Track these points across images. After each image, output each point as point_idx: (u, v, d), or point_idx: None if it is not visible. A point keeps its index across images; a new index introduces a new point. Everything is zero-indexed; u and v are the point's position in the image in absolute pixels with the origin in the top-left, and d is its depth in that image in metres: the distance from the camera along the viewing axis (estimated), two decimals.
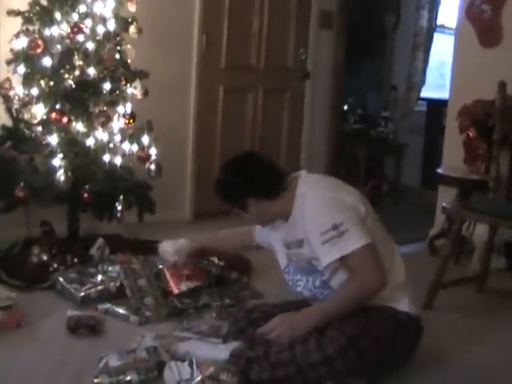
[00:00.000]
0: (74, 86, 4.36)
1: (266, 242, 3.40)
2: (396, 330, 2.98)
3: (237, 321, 3.25)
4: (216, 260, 4.35)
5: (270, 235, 3.30)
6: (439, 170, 5.39)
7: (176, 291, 3.80)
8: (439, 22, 8.33)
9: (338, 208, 2.90)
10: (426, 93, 8.50)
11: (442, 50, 7.99)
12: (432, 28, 8.22)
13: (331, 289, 3.02)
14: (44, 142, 4.29)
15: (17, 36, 4.37)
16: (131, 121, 4.57)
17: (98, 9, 4.44)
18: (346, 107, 7.97)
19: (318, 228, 2.87)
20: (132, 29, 4.63)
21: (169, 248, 4.32)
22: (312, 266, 3.03)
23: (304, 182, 3.07)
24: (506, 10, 5.31)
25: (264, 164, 3.16)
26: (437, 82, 8.56)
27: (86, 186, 4.29)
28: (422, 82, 8.28)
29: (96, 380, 2.83)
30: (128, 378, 2.84)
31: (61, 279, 3.93)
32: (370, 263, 2.89)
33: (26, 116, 4.29)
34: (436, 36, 8.30)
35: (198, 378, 2.75)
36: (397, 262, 3.11)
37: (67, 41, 4.36)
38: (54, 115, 4.27)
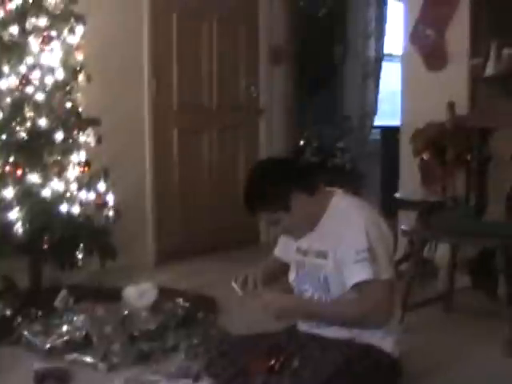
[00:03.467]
0: (26, 137, 4.36)
1: (285, 255, 3.27)
2: (375, 373, 2.93)
3: (208, 352, 3.22)
4: (181, 301, 4.33)
5: (289, 246, 3.19)
6: (397, 195, 5.43)
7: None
8: (386, 50, 8.44)
9: (377, 234, 2.86)
10: (380, 122, 8.58)
11: (392, 80, 8.09)
12: (380, 57, 8.33)
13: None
14: None
15: None
16: (86, 168, 4.57)
17: (45, 59, 4.45)
18: (302, 141, 8.01)
19: (354, 245, 2.81)
20: (81, 77, 4.64)
21: (133, 294, 4.31)
22: (325, 282, 2.96)
23: (344, 197, 3.01)
24: (449, 33, 5.42)
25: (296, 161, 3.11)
26: (389, 112, 8.64)
27: (46, 237, 4.27)
28: (375, 110, 8.37)
29: None
30: None
31: (26, 333, 3.88)
32: (386, 298, 2.86)
33: None
34: (385, 65, 8.40)
35: None
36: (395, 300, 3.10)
37: (16, 93, 4.36)
38: (8, 168, 4.26)
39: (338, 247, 2.88)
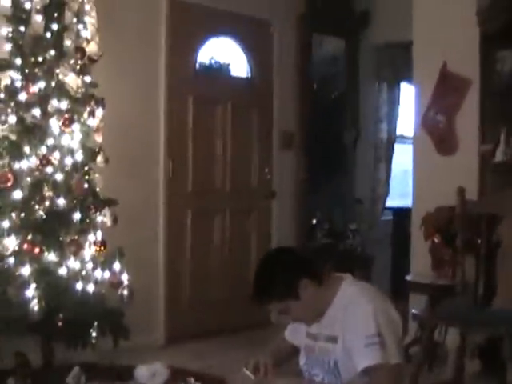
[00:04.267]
0: (44, 216, 4.45)
1: (295, 339, 3.28)
2: None
3: None
4: (192, 381, 4.34)
5: (299, 330, 3.20)
6: (408, 278, 5.47)
7: None
8: (399, 132, 8.56)
9: (385, 320, 2.88)
10: (392, 201, 8.64)
11: (405, 160, 8.18)
12: (392, 139, 8.42)
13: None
14: (16, 274, 4.33)
15: None
16: (102, 248, 4.64)
17: (65, 141, 4.57)
18: (314, 222, 8.07)
19: (364, 331, 2.83)
20: (99, 158, 4.76)
21: (145, 373, 4.33)
22: (335, 366, 2.96)
23: (352, 283, 3.03)
24: (459, 118, 5.53)
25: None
26: (402, 191, 8.71)
27: (60, 315, 4.32)
28: (386, 192, 8.44)
29: None
30: None
31: None
32: (395, 383, 2.88)
33: None
34: (397, 145, 8.50)
35: None
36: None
37: (36, 173, 4.47)
38: (25, 246, 4.33)
39: (348, 332, 2.92)
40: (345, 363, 2.93)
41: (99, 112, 4.80)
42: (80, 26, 4.78)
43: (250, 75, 6.98)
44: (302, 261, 3.04)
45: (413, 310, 4.66)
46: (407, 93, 8.18)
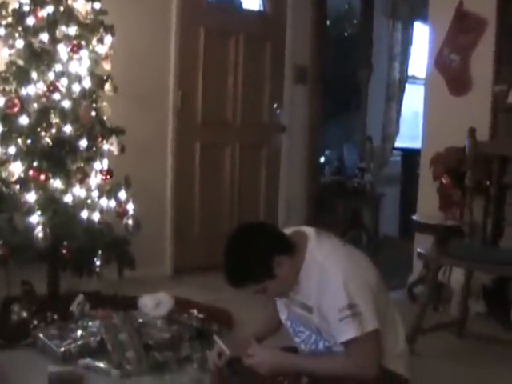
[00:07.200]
0: (51, 143, 4.43)
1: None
2: None
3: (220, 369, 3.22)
4: (196, 312, 4.36)
5: None
6: (415, 218, 5.44)
7: None
8: (410, 73, 8.48)
9: (357, 286, 2.78)
10: (401, 143, 8.60)
11: (415, 101, 8.12)
12: (404, 79, 8.36)
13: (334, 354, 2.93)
14: (22, 200, 4.32)
15: None
16: (108, 177, 4.62)
17: (73, 67, 4.51)
18: (322, 160, 8.06)
19: (336, 304, 2.75)
20: (107, 86, 4.71)
21: (149, 302, 4.35)
22: (318, 331, 2.91)
23: (318, 246, 2.90)
24: (474, 58, 5.43)
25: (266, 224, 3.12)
26: (411, 133, 8.67)
27: (65, 243, 4.32)
28: (396, 132, 8.39)
29: None
30: None
31: (41, 336, 3.93)
32: (375, 348, 2.80)
33: (4, 174, 4.33)
34: (408, 87, 8.43)
35: None
36: (399, 331, 2.99)
37: (44, 99, 4.43)
38: (31, 173, 4.31)
39: (321, 305, 2.83)
40: (325, 330, 2.89)
41: (108, 39, 4.72)
42: None
43: (263, 8, 6.86)
44: (272, 237, 2.93)
45: (418, 249, 4.63)
46: (419, 33, 8.09)
